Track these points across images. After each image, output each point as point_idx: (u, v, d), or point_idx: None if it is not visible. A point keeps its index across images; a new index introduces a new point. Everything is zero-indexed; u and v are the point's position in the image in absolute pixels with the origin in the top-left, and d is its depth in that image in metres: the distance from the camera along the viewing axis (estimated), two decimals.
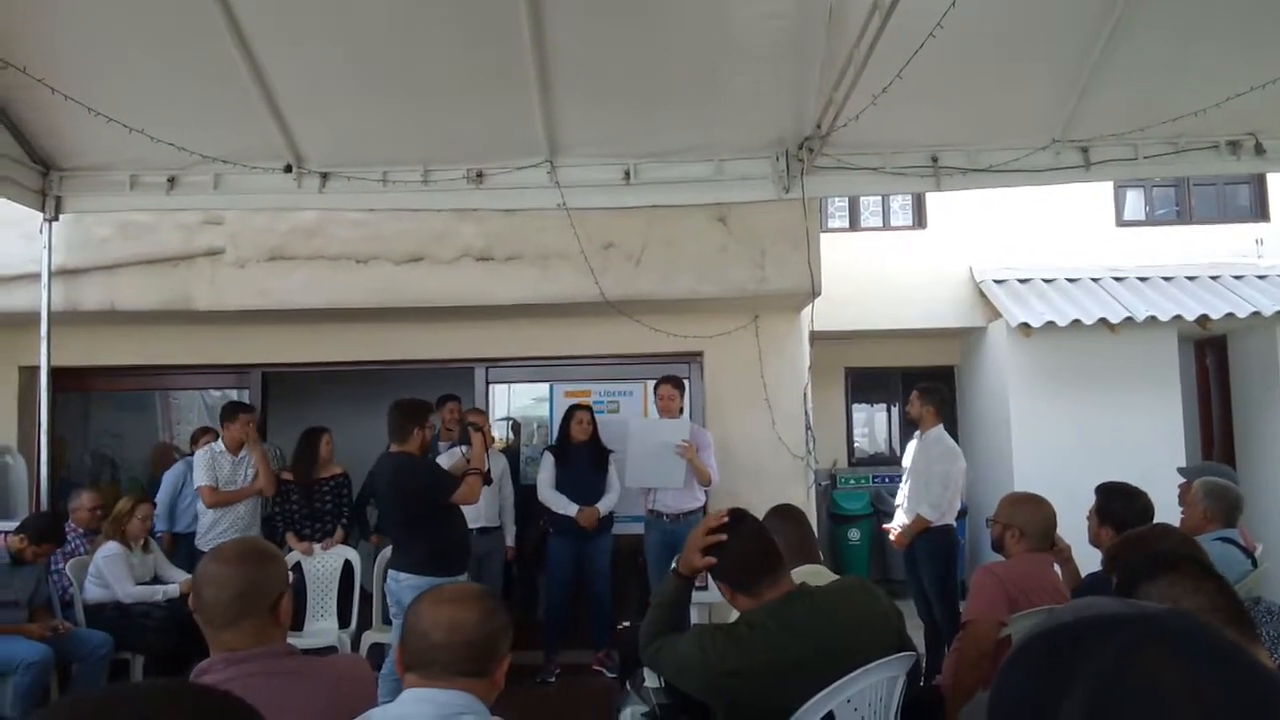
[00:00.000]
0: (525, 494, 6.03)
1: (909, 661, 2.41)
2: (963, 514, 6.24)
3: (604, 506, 5.67)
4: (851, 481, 8.53)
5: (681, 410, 5.77)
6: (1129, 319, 7.20)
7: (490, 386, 6.60)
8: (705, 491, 5.69)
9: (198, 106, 4.47)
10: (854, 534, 8.12)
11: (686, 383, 6.09)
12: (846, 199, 8.58)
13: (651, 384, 6.04)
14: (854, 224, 8.80)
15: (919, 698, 2.70)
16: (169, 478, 6.06)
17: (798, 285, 5.66)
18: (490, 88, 4.31)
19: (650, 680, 2.85)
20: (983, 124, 4.60)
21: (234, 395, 6.49)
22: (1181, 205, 8.87)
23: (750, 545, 2.35)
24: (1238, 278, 7.92)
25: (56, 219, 5.11)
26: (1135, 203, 8.86)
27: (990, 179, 4.73)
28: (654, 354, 6.20)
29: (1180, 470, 4.80)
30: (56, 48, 4.09)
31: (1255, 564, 3.54)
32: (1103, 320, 7.22)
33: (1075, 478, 4.41)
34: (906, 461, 5.64)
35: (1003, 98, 4.44)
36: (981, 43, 3.94)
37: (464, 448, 4.76)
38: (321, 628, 5.49)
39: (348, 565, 5.64)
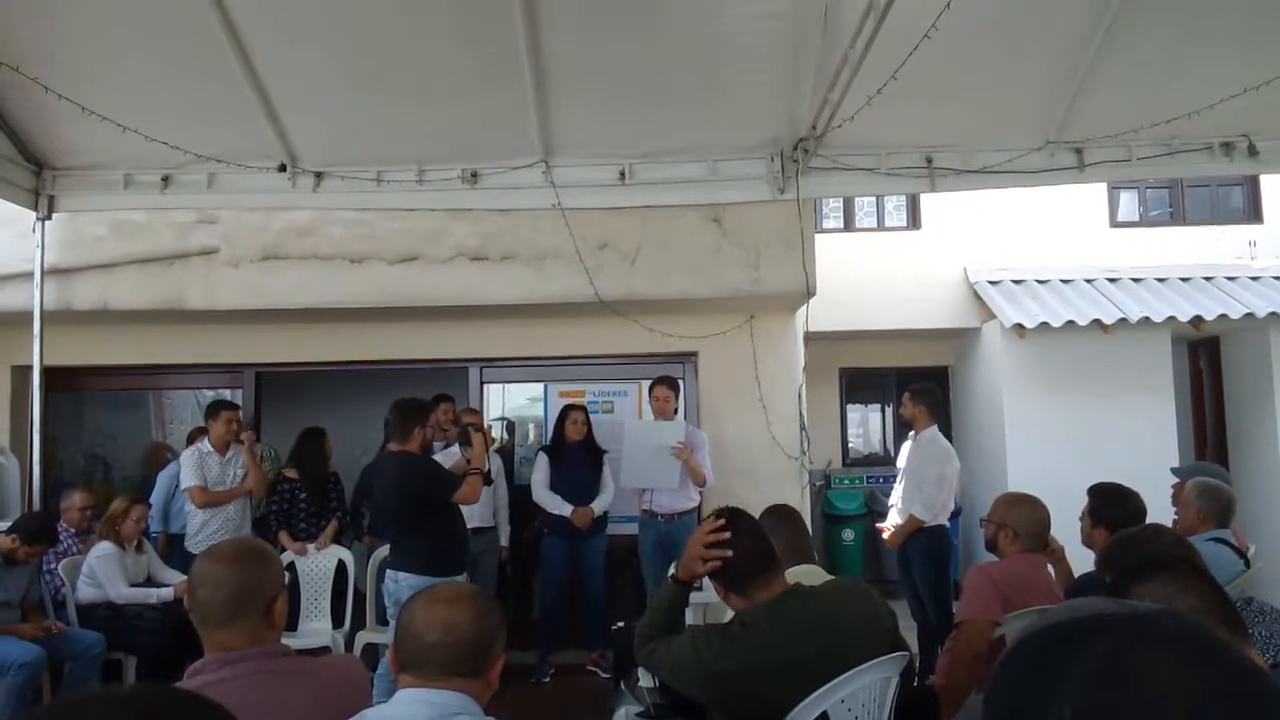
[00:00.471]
0: (520, 494, 6.03)
1: (902, 662, 2.42)
2: (956, 514, 6.24)
3: (598, 507, 5.67)
4: (846, 482, 8.54)
5: (676, 411, 5.77)
6: (1123, 320, 7.22)
7: (485, 386, 6.59)
8: (700, 492, 5.69)
9: (191, 105, 4.46)
10: (848, 534, 8.13)
11: (681, 383, 6.09)
12: (841, 200, 8.60)
13: (646, 384, 6.03)
14: (849, 224, 8.81)
15: (912, 698, 2.70)
16: (163, 478, 6.04)
17: (792, 286, 5.66)
18: (485, 87, 4.31)
19: (645, 680, 2.84)
20: (977, 125, 4.61)
21: (227, 395, 6.47)
22: (1175, 207, 8.90)
23: (746, 544, 2.35)
24: (1231, 279, 7.95)
25: (50, 218, 5.08)
26: (1129, 204, 8.88)
27: (985, 180, 4.75)
28: (649, 354, 6.21)
29: (1173, 470, 4.82)
30: (50, 47, 4.06)
31: (1248, 564, 3.56)
32: (1096, 321, 7.24)
33: (1069, 478, 4.42)
34: (901, 462, 5.65)
35: (997, 99, 4.45)
36: (976, 44, 3.95)
37: (464, 448, 4.76)
38: (315, 628, 5.48)
39: (341, 566, 5.63)
